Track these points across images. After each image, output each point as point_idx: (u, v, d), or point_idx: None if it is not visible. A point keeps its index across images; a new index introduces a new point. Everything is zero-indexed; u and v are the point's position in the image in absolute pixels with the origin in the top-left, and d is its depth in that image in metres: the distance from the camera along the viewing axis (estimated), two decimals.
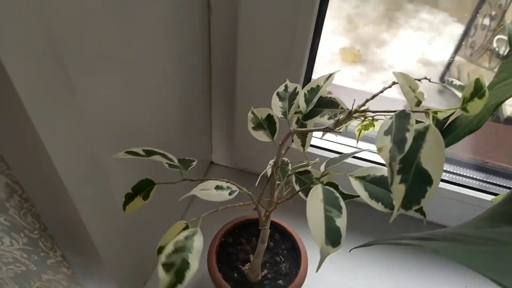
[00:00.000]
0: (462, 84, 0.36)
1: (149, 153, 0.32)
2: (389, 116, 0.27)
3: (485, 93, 0.27)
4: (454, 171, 0.65)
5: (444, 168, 0.65)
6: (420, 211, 0.29)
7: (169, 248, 0.30)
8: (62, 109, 0.32)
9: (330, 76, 0.38)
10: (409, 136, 0.24)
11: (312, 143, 0.65)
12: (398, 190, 0.25)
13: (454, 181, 0.64)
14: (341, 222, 0.29)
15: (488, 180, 0.63)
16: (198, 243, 0.31)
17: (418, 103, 0.31)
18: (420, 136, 0.25)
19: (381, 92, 0.31)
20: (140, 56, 0.42)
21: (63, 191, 0.35)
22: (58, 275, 0.54)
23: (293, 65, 0.54)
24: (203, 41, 0.57)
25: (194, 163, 0.37)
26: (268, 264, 0.55)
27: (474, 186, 0.63)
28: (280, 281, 0.53)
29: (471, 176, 0.64)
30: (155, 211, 0.58)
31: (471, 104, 0.27)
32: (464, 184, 0.63)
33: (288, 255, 0.56)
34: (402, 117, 0.26)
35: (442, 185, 0.63)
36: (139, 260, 0.57)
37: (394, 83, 0.31)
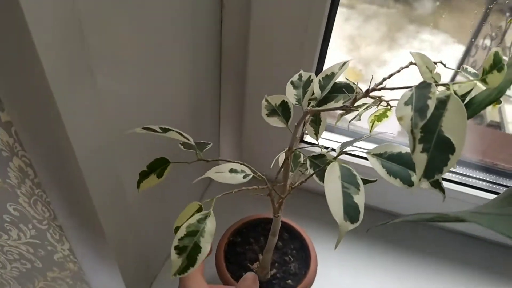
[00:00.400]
0: (476, 72, 0.36)
1: (166, 130, 0.32)
2: (408, 89, 0.27)
3: (503, 67, 0.27)
4: (464, 173, 0.65)
5: (453, 170, 0.65)
6: (439, 187, 0.29)
7: (181, 232, 0.30)
8: (81, 85, 0.32)
9: (344, 63, 0.38)
10: (431, 103, 0.24)
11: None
12: (420, 159, 0.25)
13: (463, 182, 0.63)
14: (359, 199, 0.29)
15: (497, 181, 0.63)
16: (210, 226, 0.31)
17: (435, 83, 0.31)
18: (441, 104, 0.25)
19: (398, 71, 0.31)
20: (155, 46, 0.42)
21: (77, 172, 0.35)
22: (64, 272, 0.53)
23: (304, 61, 0.54)
24: (215, 35, 0.58)
25: (210, 146, 0.37)
26: (276, 264, 0.54)
27: (483, 187, 0.62)
28: (289, 281, 0.52)
29: (480, 177, 0.64)
30: (166, 204, 0.57)
31: (490, 76, 0.27)
32: (473, 185, 0.63)
33: (297, 255, 0.55)
34: (422, 87, 0.26)
35: (451, 186, 0.63)
36: (147, 257, 0.56)
37: (411, 63, 0.31)
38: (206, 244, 0.30)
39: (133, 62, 0.39)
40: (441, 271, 0.66)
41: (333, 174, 0.30)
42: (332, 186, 0.29)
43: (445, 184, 0.64)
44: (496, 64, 0.27)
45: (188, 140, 0.33)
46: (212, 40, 0.58)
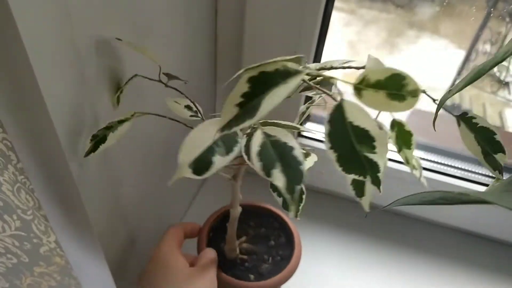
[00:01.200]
0: None
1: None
2: None
3: None
4: (467, 168, 0.64)
5: (456, 165, 0.64)
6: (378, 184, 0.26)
7: (102, 124, 0.35)
8: (63, 61, 0.31)
9: (346, 63, 0.36)
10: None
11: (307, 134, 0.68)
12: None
13: (466, 177, 0.62)
14: (220, 160, 0.26)
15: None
16: (123, 128, 0.36)
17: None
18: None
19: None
20: (144, 10, 0.40)
21: (60, 155, 0.33)
22: (51, 267, 0.51)
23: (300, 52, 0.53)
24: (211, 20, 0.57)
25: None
26: (256, 254, 0.52)
27: (487, 183, 0.61)
28: (265, 267, 0.50)
29: (483, 173, 0.63)
30: (157, 199, 0.56)
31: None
32: (476, 181, 0.62)
33: (282, 247, 0.53)
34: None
35: (453, 181, 0.62)
36: (137, 253, 0.54)
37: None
38: (112, 139, 0.34)
39: (121, 21, 0.37)
40: (443, 273, 0.64)
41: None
42: (203, 135, 0.27)
43: (448, 179, 0.63)
44: None
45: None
46: (207, 11, 0.56)
